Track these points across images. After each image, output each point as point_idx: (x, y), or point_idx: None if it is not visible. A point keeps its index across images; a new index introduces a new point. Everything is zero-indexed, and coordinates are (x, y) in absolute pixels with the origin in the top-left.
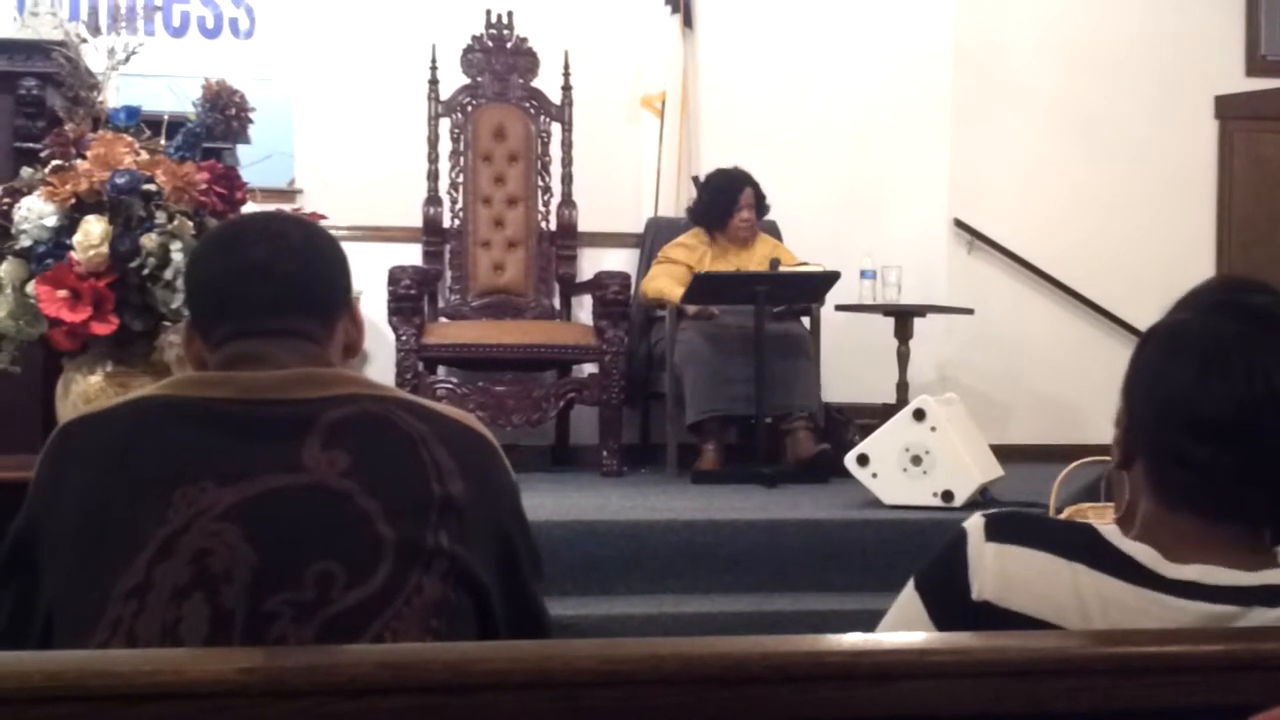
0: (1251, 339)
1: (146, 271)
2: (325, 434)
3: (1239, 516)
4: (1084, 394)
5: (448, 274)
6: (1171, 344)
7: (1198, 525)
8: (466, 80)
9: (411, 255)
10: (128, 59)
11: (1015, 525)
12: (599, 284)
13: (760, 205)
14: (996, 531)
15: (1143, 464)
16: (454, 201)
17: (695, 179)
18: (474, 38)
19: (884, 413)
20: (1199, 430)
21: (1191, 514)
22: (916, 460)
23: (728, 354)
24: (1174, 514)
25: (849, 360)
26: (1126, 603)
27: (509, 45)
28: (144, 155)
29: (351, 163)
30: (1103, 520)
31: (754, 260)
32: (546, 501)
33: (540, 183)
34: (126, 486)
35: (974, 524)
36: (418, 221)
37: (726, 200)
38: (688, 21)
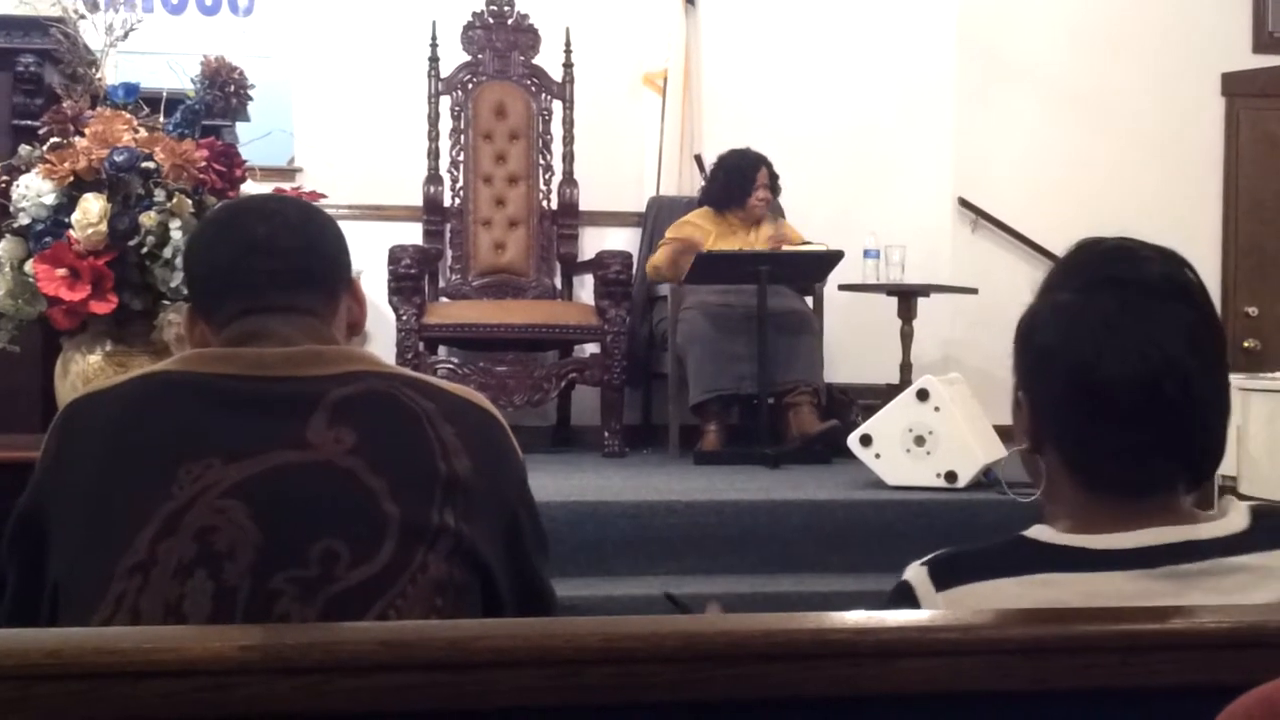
0: (1139, 310)
1: (145, 250)
2: (331, 411)
3: (1160, 488)
4: None
5: (448, 253)
6: (1060, 328)
7: (1126, 501)
8: (467, 58)
9: (412, 234)
10: (126, 36)
11: (955, 564)
12: (601, 263)
13: (774, 185)
14: (940, 578)
15: (1055, 451)
16: (455, 180)
17: (698, 158)
18: (475, 14)
19: (887, 393)
20: (1106, 412)
21: (1117, 494)
22: (920, 441)
23: (730, 334)
24: (1099, 495)
25: (852, 340)
26: (1092, 590)
27: (510, 22)
28: (143, 133)
29: (351, 141)
30: None
31: (760, 240)
32: (548, 482)
33: (541, 161)
34: (131, 463)
35: (917, 578)
36: (418, 200)
37: (743, 179)
38: None
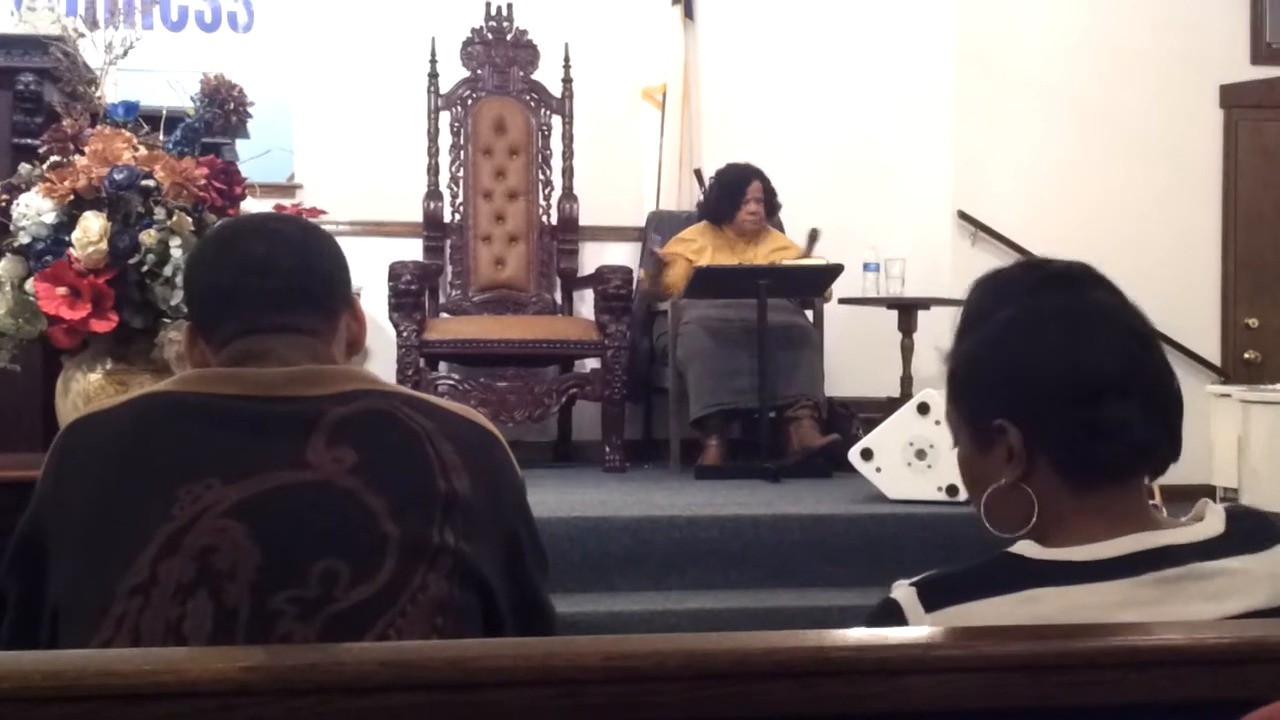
0: (1084, 298)
1: (146, 268)
2: (331, 431)
3: (1151, 463)
4: None
5: (449, 269)
6: (1025, 336)
7: (1114, 495)
8: (466, 73)
9: (412, 250)
10: (125, 54)
11: (943, 585)
12: (601, 278)
13: (770, 201)
14: (930, 600)
15: (1050, 462)
16: (454, 196)
17: (697, 172)
18: (474, 30)
19: (888, 406)
20: (1103, 396)
21: (1113, 482)
22: (921, 454)
23: (731, 348)
24: (1090, 489)
25: (852, 354)
26: (1079, 603)
27: (509, 38)
28: (142, 151)
29: (351, 157)
30: None
31: (760, 255)
32: (549, 498)
33: (541, 176)
34: (132, 483)
35: (906, 599)
36: (418, 216)
37: (734, 193)
38: (689, 13)
